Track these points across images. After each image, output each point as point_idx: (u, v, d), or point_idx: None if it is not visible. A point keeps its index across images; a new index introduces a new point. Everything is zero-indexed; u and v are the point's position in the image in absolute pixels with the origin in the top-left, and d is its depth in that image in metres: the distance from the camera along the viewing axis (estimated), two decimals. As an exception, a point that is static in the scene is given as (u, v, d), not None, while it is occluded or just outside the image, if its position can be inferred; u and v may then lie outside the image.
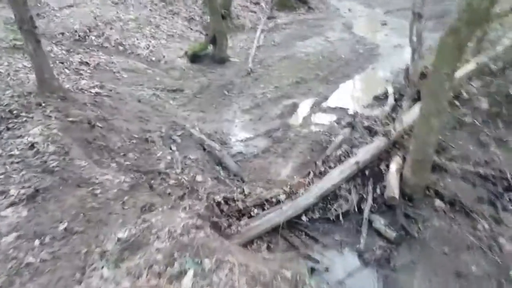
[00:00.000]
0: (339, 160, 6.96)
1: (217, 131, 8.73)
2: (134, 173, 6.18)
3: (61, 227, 3.77)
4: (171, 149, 7.31)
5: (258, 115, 9.66)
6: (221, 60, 12.84)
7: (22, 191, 4.21)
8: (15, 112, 5.77)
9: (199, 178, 6.78)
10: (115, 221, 3.98)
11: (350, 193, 6.60)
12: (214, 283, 3.17)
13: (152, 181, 6.06)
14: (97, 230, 3.82)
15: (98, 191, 4.46)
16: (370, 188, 6.67)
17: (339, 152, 7.13)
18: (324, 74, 11.69)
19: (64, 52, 10.62)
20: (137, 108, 8.18)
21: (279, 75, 11.68)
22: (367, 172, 6.83)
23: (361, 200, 6.57)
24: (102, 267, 3.21)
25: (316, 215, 6.44)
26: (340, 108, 9.68)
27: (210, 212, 5.49)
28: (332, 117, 9.29)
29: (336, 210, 6.43)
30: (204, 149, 7.76)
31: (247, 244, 5.90)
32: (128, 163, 6.41)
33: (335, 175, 6.59)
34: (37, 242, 3.58)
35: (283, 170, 7.61)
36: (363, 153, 6.86)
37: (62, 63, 9.69)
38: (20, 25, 6.18)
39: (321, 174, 6.76)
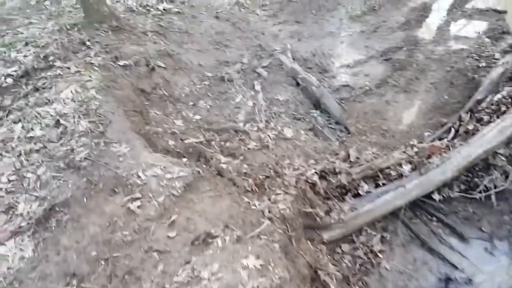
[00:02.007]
0: (497, 111, 4.61)
1: (316, 53, 6.65)
2: (205, 132, 4.73)
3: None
4: (254, 88, 5.59)
5: (373, 24, 7.22)
6: None
7: (34, 207, 3.04)
8: (50, 58, 4.46)
9: (288, 132, 5.12)
10: (148, 276, 2.60)
11: (510, 163, 4.42)
12: None
13: (227, 144, 4.57)
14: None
15: (136, 204, 3.09)
16: (544, 153, 4.41)
17: (497, 96, 4.72)
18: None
19: None
20: (213, 28, 6.39)
21: (405, -44, 8.57)
22: (540, 129, 4.47)
23: (529, 175, 4.41)
24: None
25: (455, 192, 4.55)
26: (494, 10, 6.69)
27: (301, 200, 3.95)
28: (482, 26, 6.47)
29: (486, 187, 4.41)
30: (298, 84, 5.88)
31: (353, 235, 4.36)
32: (198, 117, 4.94)
33: (490, 136, 4.41)
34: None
35: (406, 115, 5.53)
36: (539, 100, 4.43)
37: (128, -33, 7.99)
38: None
39: (467, 134, 4.58)
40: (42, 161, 3.36)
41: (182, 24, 6.21)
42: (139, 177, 3.31)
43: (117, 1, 6.27)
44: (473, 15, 6.80)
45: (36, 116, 3.75)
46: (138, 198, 3.15)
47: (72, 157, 3.38)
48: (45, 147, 3.47)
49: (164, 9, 6.44)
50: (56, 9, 5.75)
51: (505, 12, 6.60)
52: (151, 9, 6.33)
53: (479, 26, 6.54)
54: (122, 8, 6.07)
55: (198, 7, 6.93)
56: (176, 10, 6.53)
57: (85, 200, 3.10)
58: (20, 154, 3.39)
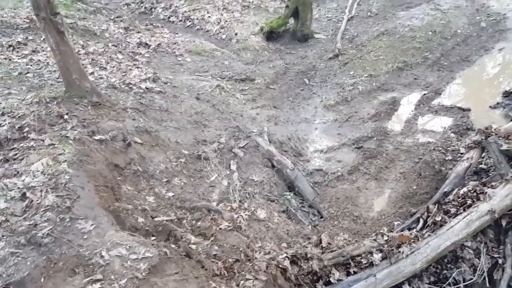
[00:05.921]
0: (464, 204, 4.78)
1: (291, 137, 6.89)
2: (177, 210, 4.67)
3: None
4: (229, 168, 5.66)
5: (346, 114, 7.60)
6: (304, 38, 10.75)
7: (-11, 285, 2.88)
8: (25, 130, 4.46)
9: (261, 214, 5.11)
10: None
11: (478, 256, 4.49)
12: None
13: (198, 223, 4.50)
14: None
15: (96, 286, 2.94)
16: (509, 249, 4.49)
17: (463, 190, 4.93)
18: (434, 57, 9.05)
19: (121, 30, 9.32)
20: (193, 108, 6.59)
21: (375, 58, 9.30)
22: (504, 224, 4.61)
23: (495, 266, 4.45)
24: None
25: (425, 284, 4.50)
26: (459, 108, 7.19)
27: (271, 287, 3.84)
28: (448, 122, 6.91)
29: (455, 280, 4.39)
30: (273, 166, 6.00)
31: (322, 325, 4.21)
32: (170, 194, 4.90)
33: (457, 229, 4.49)
34: None
35: (376, 202, 5.65)
36: (501, 196, 4.61)
37: (116, 45, 8.36)
38: (36, 12, 4.79)
39: (435, 225, 4.68)
40: (2, 236, 3.22)
41: (163, 103, 6.37)
42: (102, 256, 3.18)
43: (100, 78, 6.43)
44: (439, 111, 7.27)
45: (3, 188, 3.65)
46: (98, 280, 3.00)
47: (34, 233, 3.24)
48: (7, 220, 3.33)
49: (146, 88, 6.62)
50: (38, 82, 5.84)
51: (469, 110, 7.12)
52: (134, 87, 6.48)
53: (445, 121, 6.98)
54: (104, 84, 6.20)
55: (180, 88, 7.17)
56: (158, 89, 6.72)
57: (42, 279, 2.94)
58: (-19, 227, 3.25)
